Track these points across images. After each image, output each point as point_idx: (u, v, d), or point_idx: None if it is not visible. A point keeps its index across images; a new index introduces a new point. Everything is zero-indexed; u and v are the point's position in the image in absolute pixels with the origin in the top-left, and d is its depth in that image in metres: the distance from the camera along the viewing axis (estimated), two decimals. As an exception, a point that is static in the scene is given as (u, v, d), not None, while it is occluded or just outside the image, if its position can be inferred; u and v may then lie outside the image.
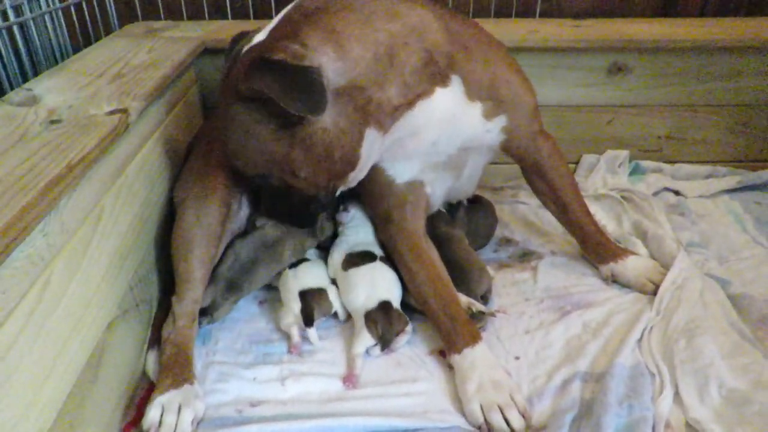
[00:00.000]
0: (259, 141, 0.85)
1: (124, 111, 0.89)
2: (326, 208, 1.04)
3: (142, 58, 1.18)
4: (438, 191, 1.12)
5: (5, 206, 0.60)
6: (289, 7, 0.90)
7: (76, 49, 1.49)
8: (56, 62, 1.41)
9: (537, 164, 1.14)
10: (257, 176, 0.91)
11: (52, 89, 0.98)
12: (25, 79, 1.31)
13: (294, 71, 0.78)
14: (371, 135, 0.89)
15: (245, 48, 0.88)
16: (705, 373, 0.90)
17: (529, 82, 1.07)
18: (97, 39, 1.55)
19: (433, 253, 1.09)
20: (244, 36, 0.96)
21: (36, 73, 1.34)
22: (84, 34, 1.53)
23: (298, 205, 0.97)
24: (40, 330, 0.68)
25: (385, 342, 0.98)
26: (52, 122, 0.83)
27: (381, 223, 1.11)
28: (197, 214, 1.02)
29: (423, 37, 0.89)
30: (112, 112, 0.88)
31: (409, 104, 0.91)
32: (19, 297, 0.64)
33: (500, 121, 1.03)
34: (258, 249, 1.08)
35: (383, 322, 0.99)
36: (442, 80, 0.93)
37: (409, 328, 1.01)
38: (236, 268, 1.06)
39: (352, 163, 0.90)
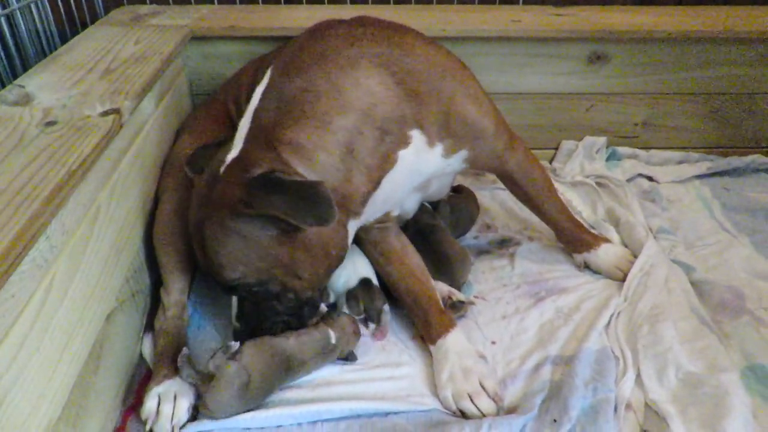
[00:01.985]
0: (261, 248, 0.85)
1: (117, 111, 0.91)
2: (316, 310, 1.00)
3: (131, 50, 1.19)
4: (408, 206, 1.15)
5: (12, 218, 0.64)
6: (248, 120, 0.91)
7: (62, 34, 1.49)
8: (43, 49, 1.41)
9: (507, 174, 1.17)
10: (255, 284, 0.88)
11: (44, 86, 1.00)
12: (13, 68, 1.32)
13: (301, 187, 0.80)
14: (352, 224, 0.94)
15: (222, 166, 0.87)
16: (664, 357, 0.97)
17: (487, 105, 1.04)
18: (83, 23, 1.55)
19: (406, 250, 1.12)
20: (206, 149, 0.96)
21: (23, 61, 1.35)
22: (69, 19, 1.53)
23: (290, 310, 0.95)
24: (47, 328, 0.72)
25: (370, 317, 1.05)
26: (48, 124, 0.86)
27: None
28: (175, 205, 1.06)
29: (373, 116, 0.90)
30: (105, 113, 0.91)
31: (376, 184, 0.94)
32: (26, 299, 0.68)
33: (461, 155, 1.04)
34: (280, 366, 0.93)
35: (366, 298, 1.05)
36: (404, 142, 0.95)
37: (386, 307, 1.07)
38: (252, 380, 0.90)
39: (344, 256, 0.95)
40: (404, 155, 0.95)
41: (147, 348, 1.04)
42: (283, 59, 0.96)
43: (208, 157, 0.92)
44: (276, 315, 0.94)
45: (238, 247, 0.85)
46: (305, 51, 0.94)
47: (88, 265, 0.84)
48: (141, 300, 1.06)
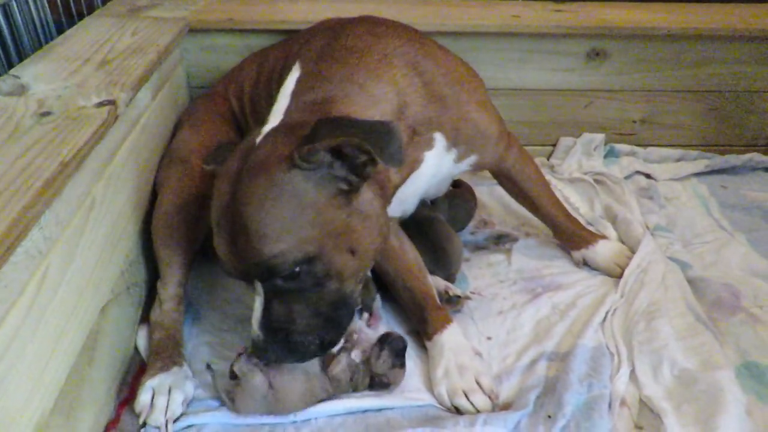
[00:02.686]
0: (316, 210, 0.75)
1: (113, 102, 0.91)
2: (353, 316, 0.88)
3: (127, 41, 1.18)
4: (407, 206, 1.13)
5: (5, 208, 0.64)
6: (285, 100, 0.87)
7: (58, 25, 1.48)
8: (39, 40, 1.40)
9: (503, 171, 1.19)
10: (301, 261, 0.75)
11: (39, 77, 0.99)
12: (8, 58, 1.31)
13: (375, 125, 0.76)
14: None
15: (259, 137, 0.80)
16: (659, 354, 0.97)
17: (493, 111, 1.07)
18: (79, 14, 1.54)
19: (404, 248, 1.11)
20: (224, 147, 0.88)
21: (19, 52, 1.34)
22: (66, 10, 1.52)
23: (328, 312, 0.82)
24: (40, 319, 0.72)
25: (366, 308, 1.05)
26: (43, 115, 0.85)
27: None
28: (175, 198, 1.05)
29: (406, 114, 0.91)
30: (101, 104, 0.90)
31: (404, 179, 0.94)
32: (19, 290, 0.68)
33: (469, 160, 1.07)
34: (311, 395, 0.90)
35: (362, 292, 1.04)
36: (428, 144, 0.96)
37: (377, 295, 1.08)
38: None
39: (387, 238, 0.88)
40: (429, 156, 0.97)
41: (142, 340, 1.03)
42: (310, 53, 0.95)
43: (227, 151, 0.86)
44: (310, 319, 0.81)
45: (289, 210, 0.73)
46: (334, 45, 0.94)
47: (82, 257, 0.84)
48: (136, 293, 1.06)
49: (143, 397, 0.90)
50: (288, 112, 0.86)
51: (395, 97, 0.90)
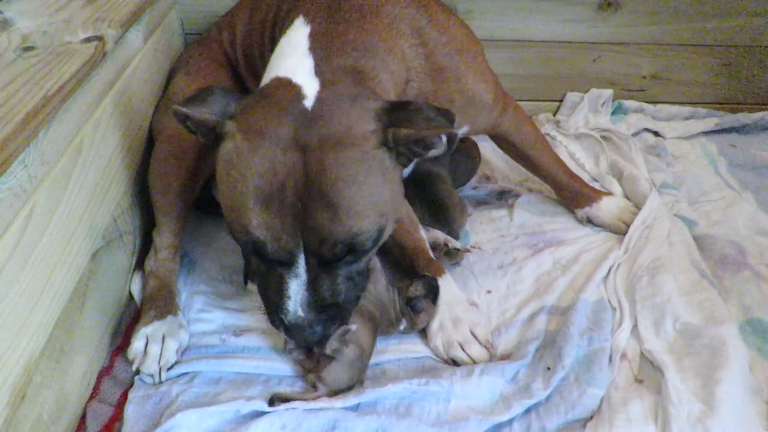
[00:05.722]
0: (393, 184, 0.78)
1: (100, 39, 0.87)
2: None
3: (117, -20, 1.13)
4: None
5: (-16, 140, 0.61)
6: (306, 57, 0.82)
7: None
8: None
9: (500, 134, 1.16)
10: (375, 232, 0.76)
11: (24, 12, 0.94)
12: (-6, -1, 1.26)
13: (446, 113, 0.77)
14: None
15: (307, 102, 0.76)
16: (662, 309, 0.95)
17: (489, 78, 1.04)
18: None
19: None
20: (213, 92, 0.78)
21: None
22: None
23: (360, 275, 0.84)
24: (27, 260, 0.70)
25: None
26: (26, 49, 0.81)
27: None
28: (173, 146, 1.01)
29: (407, 91, 0.91)
30: (87, 40, 0.86)
31: None
32: (3, 228, 0.65)
33: (461, 130, 1.04)
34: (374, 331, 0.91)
35: None
36: None
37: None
38: None
39: None
40: None
41: (136, 286, 1.02)
42: (315, 7, 0.89)
43: (227, 97, 0.78)
44: (352, 283, 0.82)
45: (376, 185, 0.74)
46: (341, 2, 0.89)
47: (70, 200, 0.81)
48: (130, 241, 1.03)
49: (137, 345, 0.89)
50: (321, 73, 0.79)
51: (404, 73, 0.89)
